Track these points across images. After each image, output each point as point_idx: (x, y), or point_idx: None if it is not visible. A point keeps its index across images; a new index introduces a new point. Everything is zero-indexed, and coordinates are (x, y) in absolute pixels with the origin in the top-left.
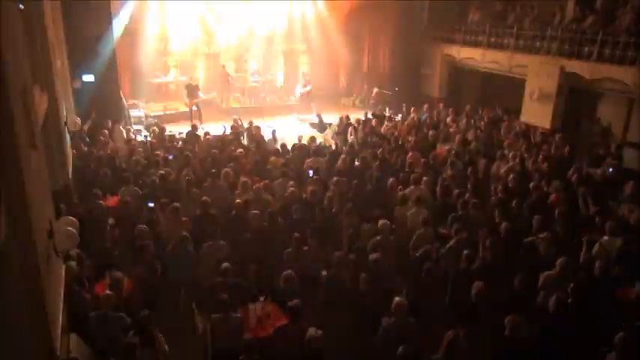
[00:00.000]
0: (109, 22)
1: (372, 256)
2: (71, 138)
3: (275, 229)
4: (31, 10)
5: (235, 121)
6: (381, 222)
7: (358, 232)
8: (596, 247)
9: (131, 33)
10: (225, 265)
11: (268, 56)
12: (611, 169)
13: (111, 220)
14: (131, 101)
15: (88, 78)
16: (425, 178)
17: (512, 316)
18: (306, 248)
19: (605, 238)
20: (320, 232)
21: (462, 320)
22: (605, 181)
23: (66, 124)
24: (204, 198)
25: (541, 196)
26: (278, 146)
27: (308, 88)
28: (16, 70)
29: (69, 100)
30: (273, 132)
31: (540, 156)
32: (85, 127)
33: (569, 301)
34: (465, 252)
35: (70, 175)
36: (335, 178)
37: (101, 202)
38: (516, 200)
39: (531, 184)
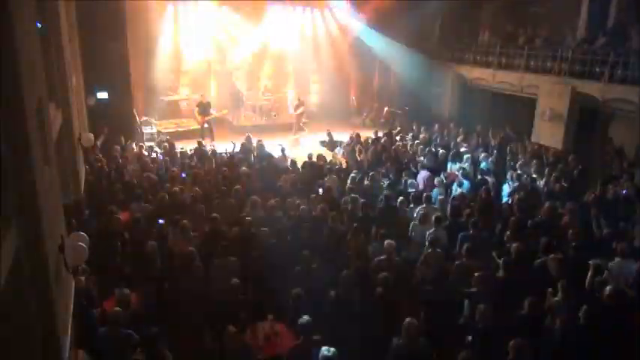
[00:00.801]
0: (125, 41)
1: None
2: (84, 154)
3: (284, 246)
4: (48, 28)
5: (247, 138)
6: (386, 242)
7: (365, 252)
8: (606, 270)
9: (145, 51)
10: (235, 281)
11: (279, 74)
12: (625, 191)
13: (126, 235)
14: (144, 118)
15: (102, 95)
16: (440, 197)
17: (516, 341)
18: (314, 266)
19: (617, 260)
20: (329, 251)
21: (474, 342)
22: (619, 202)
23: (79, 139)
24: (214, 215)
25: (554, 217)
26: (288, 164)
27: (301, 109)
28: (32, 86)
29: (83, 116)
30: (283, 150)
31: (553, 176)
32: (98, 143)
33: (581, 322)
34: (477, 274)
35: (82, 191)
36: (345, 197)
37: (117, 216)
38: (528, 221)
39: (544, 205)
